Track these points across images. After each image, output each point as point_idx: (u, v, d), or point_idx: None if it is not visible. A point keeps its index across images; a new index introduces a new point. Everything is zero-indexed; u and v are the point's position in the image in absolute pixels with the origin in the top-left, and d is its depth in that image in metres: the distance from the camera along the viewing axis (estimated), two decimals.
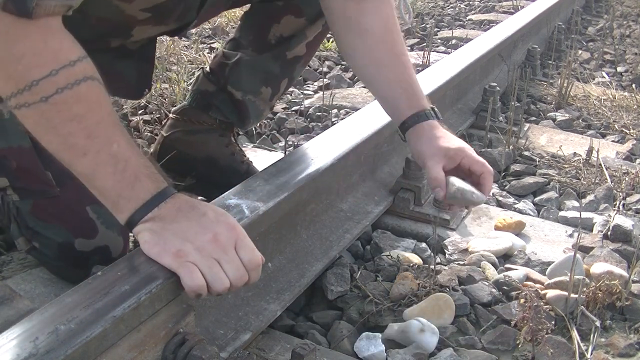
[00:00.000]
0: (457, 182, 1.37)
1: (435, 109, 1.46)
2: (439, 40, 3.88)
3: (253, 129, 2.35)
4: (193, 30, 3.59)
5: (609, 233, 1.67)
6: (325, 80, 2.93)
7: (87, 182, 1.05)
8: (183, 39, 3.47)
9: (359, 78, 1.52)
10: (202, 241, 1.00)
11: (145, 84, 1.49)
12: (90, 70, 1.03)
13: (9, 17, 0.96)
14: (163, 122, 2.09)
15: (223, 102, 1.76)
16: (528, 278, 1.47)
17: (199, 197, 1.80)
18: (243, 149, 1.97)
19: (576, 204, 1.90)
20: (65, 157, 1.05)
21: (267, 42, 1.72)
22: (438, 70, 2.30)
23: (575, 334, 1.29)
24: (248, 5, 1.73)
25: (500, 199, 1.93)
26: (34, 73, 0.98)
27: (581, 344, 1.27)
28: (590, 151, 2.17)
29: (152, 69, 1.62)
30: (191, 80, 2.22)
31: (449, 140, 1.41)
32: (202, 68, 1.84)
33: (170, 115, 1.85)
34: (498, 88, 2.40)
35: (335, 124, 1.91)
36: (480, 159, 1.41)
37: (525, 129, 2.40)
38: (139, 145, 1.04)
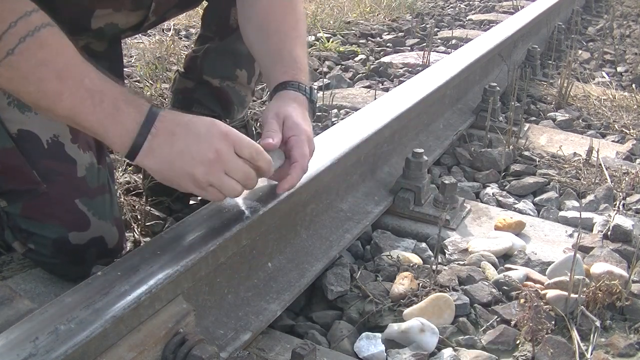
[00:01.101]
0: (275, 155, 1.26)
1: (309, 88, 1.37)
2: (439, 40, 3.88)
3: (253, 128, 2.35)
4: (193, 31, 3.60)
5: (609, 233, 1.67)
6: (325, 80, 2.93)
7: (74, 124, 1.11)
8: (183, 38, 3.48)
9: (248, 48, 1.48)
10: (208, 162, 1.09)
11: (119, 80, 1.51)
12: (47, 18, 1.08)
13: None
14: None
15: (203, 94, 1.77)
16: (528, 278, 1.47)
17: (199, 198, 1.81)
18: None
19: (576, 204, 1.90)
20: (44, 104, 1.09)
21: (230, 27, 1.74)
22: (438, 70, 2.30)
23: (575, 334, 1.29)
24: (205, 3, 1.75)
25: (500, 199, 1.93)
26: None
27: (581, 344, 1.27)
28: (590, 151, 2.17)
29: (122, 65, 1.67)
30: None
31: (297, 115, 1.30)
32: (177, 70, 1.86)
33: None
34: (498, 88, 2.40)
35: (335, 124, 1.91)
36: (305, 152, 1.26)
37: (525, 129, 2.40)
38: (110, 77, 1.10)
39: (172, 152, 1.09)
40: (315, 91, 1.38)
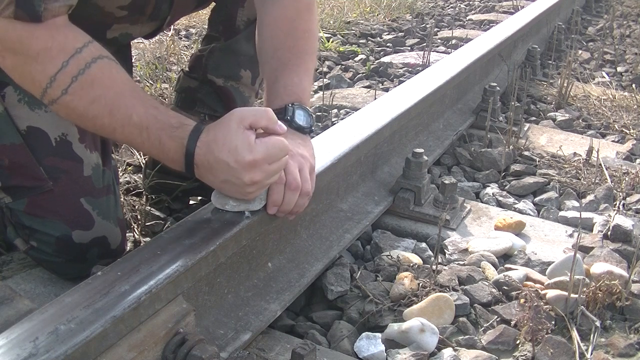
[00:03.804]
0: None
1: (292, 109, 1.34)
2: (439, 40, 3.89)
3: None
4: (193, 31, 3.60)
5: (609, 233, 1.67)
6: (325, 80, 2.93)
7: (134, 148, 1.16)
8: (183, 38, 3.48)
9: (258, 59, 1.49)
10: (249, 169, 1.13)
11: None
12: (98, 51, 1.13)
13: (20, 24, 1.06)
14: None
15: (207, 94, 1.77)
16: (528, 278, 1.47)
17: (199, 198, 1.81)
18: None
19: (576, 204, 1.90)
20: (102, 134, 1.22)
21: (237, 28, 1.74)
22: (438, 70, 2.30)
23: (575, 334, 1.29)
24: (213, 4, 1.76)
25: (500, 199, 1.93)
26: (50, 69, 1.09)
27: (581, 344, 1.27)
28: (590, 151, 2.17)
29: (131, 66, 1.68)
30: None
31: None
32: (182, 69, 1.86)
33: None
34: (498, 88, 2.40)
35: (335, 124, 1.91)
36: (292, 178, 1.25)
37: (525, 129, 2.40)
38: (158, 101, 1.17)
39: (216, 180, 1.17)
40: (301, 111, 1.35)
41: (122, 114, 1.13)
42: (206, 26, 1.90)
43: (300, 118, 1.33)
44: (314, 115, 1.38)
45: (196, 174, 1.18)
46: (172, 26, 3.43)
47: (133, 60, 2.90)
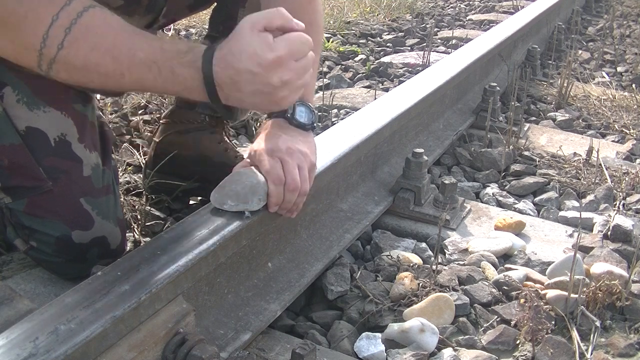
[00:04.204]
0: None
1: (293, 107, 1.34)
2: (439, 40, 3.88)
3: (253, 128, 2.35)
4: (193, 31, 3.60)
5: (609, 233, 1.67)
6: (325, 80, 2.93)
7: (148, 91, 1.14)
8: (183, 38, 3.48)
9: None
10: (273, 69, 1.06)
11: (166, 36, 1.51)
12: (87, 0, 1.08)
13: None
14: (154, 130, 2.10)
15: None
16: (528, 278, 1.47)
17: (199, 198, 1.81)
18: (244, 148, 1.98)
19: (576, 204, 1.90)
20: (112, 84, 1.12)
21: None
22: (438, 70, 2.30)
23: (575, 334, 1.29)
24: (213, 4, 1.75)
25: (500, 199, 1.93)
26: (40, 27, 1.04)
27: (581, 344, 1.27)
28: (590, 151, 2.17)
29: None
30: None
31: (265, 142, 1.29)
32: None
33: (160, 121, 1.87)
34: (498, 88, 2.40)
35: (335, 124, 1.91)
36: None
37: (525, 129, 2.40)
38: (159, 38, 1.12)
39: (244, 96, 1.09)
40: (303, 107, 1.34)
41: (126, 55, 1.08)
42: (206, 26, 1.90)
43: (301, 115, 1.33)
44: (316, 112, 1.37)
45: (222, 99, 1.11)
46: (172, 26, 3.42)
47: None
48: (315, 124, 1.36)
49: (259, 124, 2.36)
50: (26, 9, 1.04)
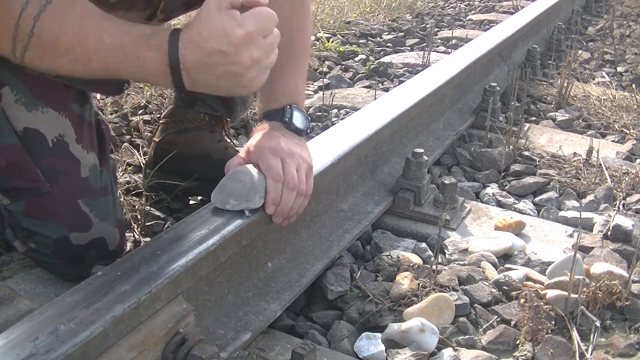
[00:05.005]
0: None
1: (286, 109, 1.35)
2: (439, 40, 3.88)
3: (253, 128, 2.35)
4: None
5: (609, 233, 1.67)
6: (325, 80, 2.93)
7: (115, 77, 1.12)
8: None
9: None
10: (242, 45, 1.05)
11: (125, 79, 1.51)
12: None
13: None
14: (153, 130, 2.10)
15: (206, 93, 1.76)
16: (528, 278, 1.47)
17: (199, 197, 1.81)
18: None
19: (576, 204, 1.90)
20: (80, 70, 1.10)
21: None
22: (438, 70, 2.30)
23: (575, 334, 1.29)
24: None
25: (500, 199, 1.93)
26: (12, 15, 1.05)
27: (581, 344, 1.27)
28: (590, 151, 2.17)
29: None
30: None
31: (266, 140, 1.29)
32: None
33: (160, 121, 1.87)
34: (498, 88, 2.40)
35: (335, 124, 1.91)
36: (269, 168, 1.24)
37: (525, 129, 2.40)
38: (126, 23, 1.11)
39: (212, 80, 1.08)
40: (299, 113, 1.35)
41: (92, 39, 1.07)
42: None
43: (298, 120, 1.33)
44: (309, 118, 1.39)
45: (187, 84, 1.08)
46: (171, 25, 3.42)
47: None
48: (309, 131, 1.37)
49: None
50: None
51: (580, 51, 3.66)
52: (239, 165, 1.27)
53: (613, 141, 2.43)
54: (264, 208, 1.23)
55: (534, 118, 2.63)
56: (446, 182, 1.75)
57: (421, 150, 1.75)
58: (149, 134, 2.17)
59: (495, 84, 2.42)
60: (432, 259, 1.54)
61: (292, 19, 1.41)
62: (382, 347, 1.26)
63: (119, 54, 1.07)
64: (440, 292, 1.39)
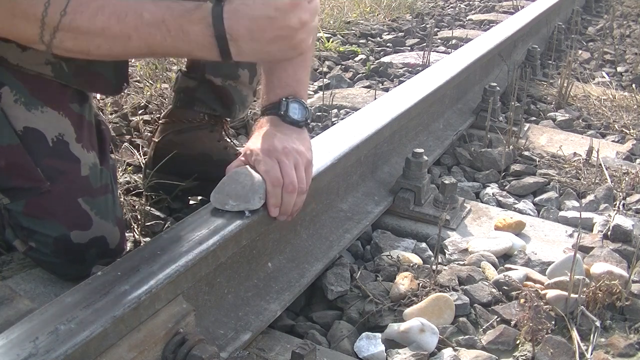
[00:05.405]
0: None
1: (283, 102, 1.33)
2: (439, 40, 3.88)
3: (253, 129, 2.35)
4: None
5: (609, 233, 1.67)
6: (325, 80, 2.93)
7: (156, 57, 1.14)
8: None
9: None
10: (288, 12, 1.07)
11: (124, 79, 1.51)
12: None
13: None
14: (153, 130, 2.10)
15: (205, 93, 1.77)
16: (528, 278, 1.47)
17: (199, 197, 1.81)
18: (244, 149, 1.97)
19: (576, 204, 1.90)
20: (118, 50, 1.09)
21: None
22: (438, 70, 2.30)
23: (575, 334, 1.29)
24: None
25: (500, 199, 1.93)
26: None
27: (581, 344, 1.27)
28: (590, 151, 2.17)
29: (127, 64, 1.65)
30: None
31: (260, 141, 1.29)
32: (180, 69, 1.86)
33: (160, 121, 1.87)
34: (498, 88, 2.40)
35: (335, 124, 1.91)
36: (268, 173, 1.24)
37: (525, 129, 2.40)
38: None
39: (262, 46, 1.08)
40: (296, 104, 1.33)
41: (132, 15, 1.06)
42: None
43: (294, 112, 1.32)
44: (310, 108, 1.37)
45: (234, 54, 1.09)
46: None
47: (133, 60, 2.91)
48: (308, 121, 1.36)
49: None
50: None
51: (580, 51, 3.66)
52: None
53: (613, 141, 2.43)
54: (267, 211, 1.23)
55: (534, 118, 2.63)
56: (446, 182, 1.75)
57: (421, 150, 1.75)
58: (149, 134, 2.17)
59: (495, 84, 2.42)
60: (432, 259, 1.54)
61: None
62: (382, 347, 1.26)
63: (162, 30, 1.06)
64: (440, 292, 1.39)
